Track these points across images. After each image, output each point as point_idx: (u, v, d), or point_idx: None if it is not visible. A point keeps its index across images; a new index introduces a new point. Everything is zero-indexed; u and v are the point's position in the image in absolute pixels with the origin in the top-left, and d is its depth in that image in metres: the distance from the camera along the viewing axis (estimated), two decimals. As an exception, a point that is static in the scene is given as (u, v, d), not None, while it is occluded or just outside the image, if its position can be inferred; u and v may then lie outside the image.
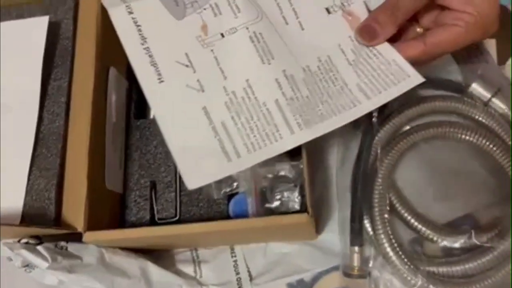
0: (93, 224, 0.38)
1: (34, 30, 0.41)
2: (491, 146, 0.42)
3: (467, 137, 0.42)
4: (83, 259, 0.38)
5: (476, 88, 0.43)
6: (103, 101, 0.42)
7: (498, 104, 0.43)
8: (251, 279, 0.43)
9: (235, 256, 0.45)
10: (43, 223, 0.37)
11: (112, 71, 0.44)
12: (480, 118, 0.43)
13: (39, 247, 0.37)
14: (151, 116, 0.47)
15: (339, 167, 0.45)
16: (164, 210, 0.43)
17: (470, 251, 0.40)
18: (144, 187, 0.44)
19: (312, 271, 0.43)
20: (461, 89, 0.44)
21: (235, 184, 0.42)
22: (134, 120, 0.46)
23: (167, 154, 0.44)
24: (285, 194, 0.41)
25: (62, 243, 0.38)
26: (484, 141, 0.42)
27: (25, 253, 0.36)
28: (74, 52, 0.42)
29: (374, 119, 0.43)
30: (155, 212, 0.43)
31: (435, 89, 0.45)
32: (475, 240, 0.39)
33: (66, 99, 0.40)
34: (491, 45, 0.47)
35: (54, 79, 0.41)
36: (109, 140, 0.42)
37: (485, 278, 0.39)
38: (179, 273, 0.43)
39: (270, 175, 0.42)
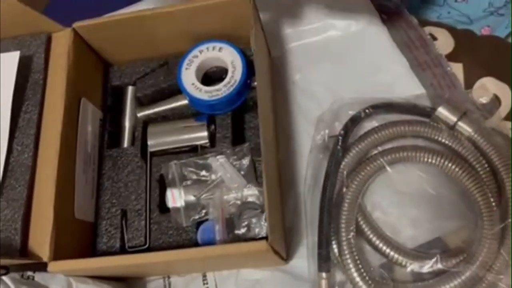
0: (60, 253, 0.38)
1: (5, 64, 0.42)
2: (457, 169, 0.42)
3: (433, 161, 0.42)
4: (49, 289, 0.38)
5: (442, 111, 0.44)
6: (74, 132, 0.43)
7: (465, 127, 0.43)
8: (222, 306, 0.43)
9: (207, 284, 0.45)
10: (9, 254, 0.37)
11: (84, 102, 0.45)
12: (446, 142, 0.43)
13: (4, 277, 0.37)
14: (125, 145, 0.48)
15: (308, 194, 0.45)
16: (134, 239, 0.43)
17: (438, 276, 0.40)
18: (115, 215, 0.44)
19: (282, 298, 0.43)
20: (427, 113, 0.45)
21: (203, 211, 0.43)
22: (107, 149, 0.47)
23: (139, 182, 0.45)
24: (253, 220, 0.41)
25: (29, 273, 0.39)
26: (450, 164, 0.42)
27: (-10, 284, 0.37)
28: (46, 85, 0.43)
29: (339, 144, 0.44)
30: (126, 240, 0.43)
31: (401, 114, 0.45)
32: (441, 265, 0.39)
33: (35, 131, 0.41)
34: (458, 69, 0.48)
35: (24, 112, 0.42)
36: (79, 170, 0.43)
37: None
38: (150, 301, 0.43)
39: (238, 202, 0.42)
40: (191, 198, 0.43)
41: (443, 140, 0.43)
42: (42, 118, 0.41)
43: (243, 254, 0.36)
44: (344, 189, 0.42)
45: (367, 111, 0.44)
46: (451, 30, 0.51)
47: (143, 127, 0.47)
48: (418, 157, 0.43)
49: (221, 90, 0.44)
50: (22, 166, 0.40)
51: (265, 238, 0.35)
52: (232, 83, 0.44)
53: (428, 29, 0.51)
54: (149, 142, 0.46)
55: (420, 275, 0.41)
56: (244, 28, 0.44)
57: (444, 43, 0.50)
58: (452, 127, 0.43)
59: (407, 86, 0.48)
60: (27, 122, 0.41)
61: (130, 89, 0.50)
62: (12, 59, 0.42)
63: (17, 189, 0.39)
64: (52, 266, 0.37)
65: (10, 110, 0.40)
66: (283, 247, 0.43)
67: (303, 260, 0.44)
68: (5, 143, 0.40)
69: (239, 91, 0.44)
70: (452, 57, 0.49)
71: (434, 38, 0.51)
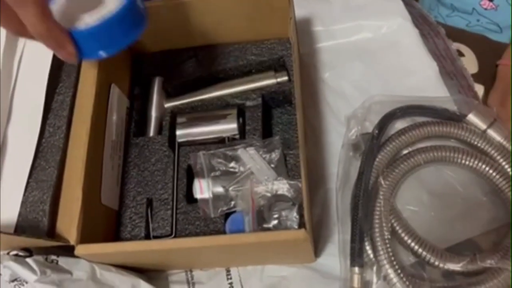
0: (86, 238, 0.37)
1: (43, 45, 0.41)
2: (490, 171, 0.41)
3: (467, 162, 0.42)
4: (73, 274, 0.37)
5: (473, 118, 0.44)
6: (103, 117, 0.42)
7: (494, 134, 0.43)
8: (246, 302, 0.42)
9: (231, 278, 0.43)
10: (35, 235, 0.36)
11: (114, 88, 0.44)
12: (479, 144, 0.43)
13: (28, 260, 0.35)
14: (151, 134, 0.47)
15: (340, 190, 0.45)
16: (160, 228, 0.42)
17: (472, 276, 0.39)
18: (140, 204, 0.43)
19: (310, 296, 0.42)
20: (456, 118, 0.44)
21: (232, 203, 0.42)
22: (133, 137, 0.46)
23: (166, 171, 0.44)
24: (283, 213, 0.40)
25: (53, 257, 0.37)
26: (483, 166, 0.42)
27: (14, 266, 0.35)
28: (80, 68, 0.42)
29: (374, 141, 0.43)
30: (151, 229, 0.42)
31: (432, 117, 0.45)
32: (480, 263, 0.38)
33: (68, 113, 0.40)
34: (479, 90, 0.48)
35: (58, 94, 0.41)
36: (107, 156, 0.42)
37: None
38: (172, 294, 0.42)
39: (268, 194, 0.42)
40: (220, 189, 0.42)
41: (475, 143, 0.43)
42: (75, 100, 0.41)
43: (277, 244, 0.35)
44: (379, 186, 0.42)
45: (401, 110, 0.44)
46: (478, 54, 0.51)
47: (171, 117, 0.47)
48: (452, 158, 0.42)
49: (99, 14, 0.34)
50: (53, 147, 0.39)
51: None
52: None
53: (457, 45, 0.51)
54: (178, 132, 0.45)
55: (452, 275, 0.40)
56: (281, 21, 0.44)
57: (470, 63, 0.51)
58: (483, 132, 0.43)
59: (435, 90, 0.48)
60: (60, 104, 0.40)
61: (157, 79, 0.49)
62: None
63: (47, 170, 0.38)
64: (80, 249, 0.36)
65: (44, 91, 0.40)
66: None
67: (332, 257, 0.43)
68: (38, 124, 0.39)
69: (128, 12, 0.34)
70: (475, 78, 0.49)
71: (461, 55, 0.51)
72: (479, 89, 0.50)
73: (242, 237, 0.34)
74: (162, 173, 0.44)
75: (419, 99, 0.46)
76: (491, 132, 0.43)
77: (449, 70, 0.50)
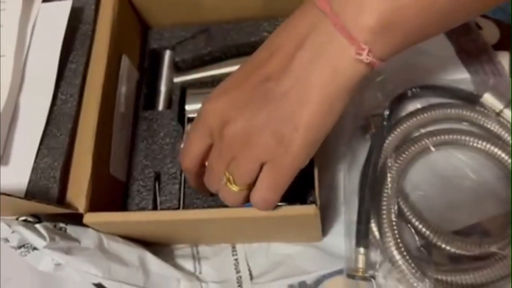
0: (94, 207, 0.37)
1: (57, 13, 0.41)
2: (503, 155, 0.41)
3: (479, 145, 0.42)
4: (81, 242, 0.37)
5: (488, 98, 0.43)
6: (114, 87, 0.42)
7: (510, 115, 0.43)
8: (251, 278, 0.42)
9: (236, 255, 0.43)
10: (45, 202, 0.36)
11: (124, 59, 0.44)
12: (492, 128, 0.43)
13: (37, 226, 0.36)
14: (160, 108, 0.47)
15: (347, 171, 0.45)
16: (167, 202, 0.42)
17: (479, 260, 0.39)
18: (148, 177, 0.43)
19: (315, 274, 0.42)
20: (473, 99, 0.44)
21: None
22: (143, 111, 0.46)
23: (174, 145, 0.44)
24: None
25: (61, 225, 0.37)
26: (496, 150, 0.41)
27: (23, 230, 0.35)
28: (93, 37, 0.42)
29: (384, 123, 0.43)
30: (158, 203, 0.42)
31: (446, 98, 0.45)
32: (487, 247, 0.38)
33: (80, 81, 0.40)
34: (504, 58, 0.47)
35: (71, 62, 0.41)
36: (116, 127, 0.42)
37: (495, 289, 0.38)
38: (178, 267, 0.42)
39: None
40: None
41: (488, 126, 0.43)
42: (88, 69, 0.41)
43: (287, 219, 0.35)
44: (387, 167, 0.41)
45: (413, 90, 0.44)
46: (497, 21, 0.50)
47: (181, 91, 0.46)
48: (464, 141, 0.42)
49: None
50: (65, 115, 0.39)
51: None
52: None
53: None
54: (187, 107, 0.45)
55: (459, 259, 0.40)
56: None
57: (490, 33, 0.50)
58: (497, 114, 0.43)
59: (451, 70, 0.47)
60: (73, 72, 0.40)
61: (168, 53, 0.49)
62: (64, 8, 0.41)
63: (58, 138, 0.38)
64: (88, 217, 0.36)
65: (58, 58, 0.40)
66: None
67: (337, 237, 0.43)
68: (50, 91, 0.39)
69: None
70: (497, 46, 0.48)
71: (479, 27, 0.50)
72: (504, 56, 0.48)
73: (250, 211, 0.34)
74: (171, 148, 0.44)
75: (433, 80, 0.45)
76: (507, 112, 0.42)
77: (467, 48, 0.49)
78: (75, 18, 0.42)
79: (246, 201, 0.33)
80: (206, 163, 0.34)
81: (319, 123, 0.29)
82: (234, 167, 0.31)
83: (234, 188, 0.32)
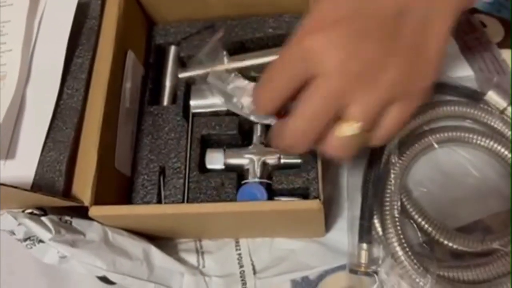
0: (100, 201, 0.37)
1: (63, 8, 0.42)
2: (506, 152, 0.41)
3: (482, 143, 0.42)
4: (86, 235, 0.37)
5: (492, 96, 0.43)
6: (119, 82, 0.42)
7: (513, 113, 0.43)
8: (254, 272, 0.42)
9: (239, 249, 0.44)
10: (51, 194, 0.36)
11: (130, 54, 0.44)
12: (495, 125, 0.43)
13: (43, 218, 0.36)
14: (165, 103, 0.47)
15: (351, 168, 0.45)
16: (172, 196, 0.42)
17: (481, 257, 0.39)
18: (153, 171, 0.43)
19: (317, 269, 0.42)
20: (477, 96, 0.44)
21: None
22: (148, 106, 0.46)
23: (179, 140, 0.44)
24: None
25: (67, 218, 0.38)
26: (499, 147, 0.41)
27: (29, 223, 0.36)
28: (99, 33, 0.42)
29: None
30: (163, 197, 0.42)
31: (451, 95, 0.45)
32: (489, 244, 0.38)
33: (86, 76, 0.40)
34: (508, 56, 0.47)
35: (77, 56, 0.41)
36: (121, 122, 0.42)
37: (497, 285, 0.38)
38: (182, 261, 0.42)
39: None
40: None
41: (492, 124, 0.43)
42: (93, 64, 0.41)
43: (290, 213, 0.35)
44: (391, 164, 0.42)
45: (417, 88, 0.44)
46: (501, 20, 0.50)
47: (185, 87, 0.47)
48: (467, 138, 0.42)
49: None
50: (71, 109, 0.39)
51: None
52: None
53: (477, 16, 0.51)
54: (192, 103, 0.45)
55: (461, 255, 0.40)
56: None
57: (494, 31, 0.50)
58: (501, 112, 0.43)
59: (455, 68, 0.47)
60: (79, 67, 0.41)
61: (173, 48, 0.49)
62: (70, 3, 0.42)
63: (64, 131, 0.38)
64: (93, 210, 0.36)
65: (64, 53, 0.40)
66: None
67: (340, 233, 0.43)
68: (57, 86, 0.39)
69: None
70: (502, 44, 0.48)
71: (484, 25, 0.50)
72: (508, 54, 0.48)
73: (255, 205, 0.35)
74: (175, 142, 0.44)
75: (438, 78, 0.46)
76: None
77: (472, 45, 0.49)
78: (81, 13, 0.42)
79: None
80: (299, 105, 0.28)
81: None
82: (357, 108, 0.27)
83: (353, 131, 0.28)
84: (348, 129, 0.28)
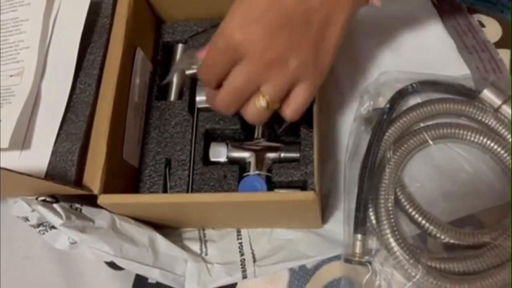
0: (108, 189, 0.40)
1: (77, 7, 0.44)
2: (499, 149, 0.43)
3: (476, 140, 0.43)
4: (95, 222, 0.40)
5: (487, 94, 0.44)
6: (128, 78, 0.44)
7: (508, 111, 0.44)
8: (254, 261, 0.44)
9: (240, 239, 0.46)
10: (63, 183, 0.38)
11: (139, 52, 0.46)
12: (489, 123, 0.44)
13: (55, 205, 0.38)
14: (172, 99, 0.49)
15: (348, 162, 0.46)
16: (177, 186, 0.44)
17: (472, 249, 0.41)
18: (159, 163, 0.46)
19: (314, 258, 0.44)
20: (472, 94, 0.45)
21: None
22: (155, 101, 0.48)
23: (184, 134, 0.46)
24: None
25: (77, 205, 0.40)
26: (492, 144, 0.43)
27: (42, 209, 0.38)
28: (111, 30, 0.45)
29: (385, 116, 0.45)
30: (168, 187, 0.45)
31: (446, 93, 0.46)
32: (480, 238, 0.39)
33: (98, 72, 0.43)
34: (505, 55, 0.48)
35: (89, 53, 0.44)
36: (130, 115, 0.44)
37: (486, 277, 0.39)
38: (185, 249, 0.45)
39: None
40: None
41: (486, 121, 0.44)
42: (105, 60, 0.43)
43: (287, 204, 0.37)
44: (386, 159, 0.43)
45: (414, 85, 0.45)
46: (500, 20, 0.51)
47: (191, 83, 0.49)
48: (461, 135, 0.43)
49: None
50: (83, 103, 0.41)
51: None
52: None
53: (476, 16, 0.52)
54: (197, 98, 0.47)
55: (453, 248, 0.42)
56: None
57: (492, 31, 0.51)
58: (496, 110, 0.44)
59: (452, 67, 0.48)
60: (91, 63, 0.43)
61: (180, 46, 0.51)
62: (83, 2, 0.44)
63: (77, 124, 0.41)
64: (102, 198, 0.39)
65: (77, 50, 0.42)
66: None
67: (337, 225, 0.45)
68: (70, 81, 0.42)
69: None
70: (499, 44, 0.49)
71: (482, 25, 0.51)
72: (505, 54, 0.49)
73: (254, 195, 0.37)
74: (181, 136, 0.46)
75: (434, 76, 0.47)
76: (506, 108, 0.44)
77: (469, 45, 0.50)
78: (94, 12, 0.45)
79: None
80: (226, 82, 0.36)
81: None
82: (269, 87, 0.35)
83: (266, 105, 0.36)
84: (262, 102, 0.36)
